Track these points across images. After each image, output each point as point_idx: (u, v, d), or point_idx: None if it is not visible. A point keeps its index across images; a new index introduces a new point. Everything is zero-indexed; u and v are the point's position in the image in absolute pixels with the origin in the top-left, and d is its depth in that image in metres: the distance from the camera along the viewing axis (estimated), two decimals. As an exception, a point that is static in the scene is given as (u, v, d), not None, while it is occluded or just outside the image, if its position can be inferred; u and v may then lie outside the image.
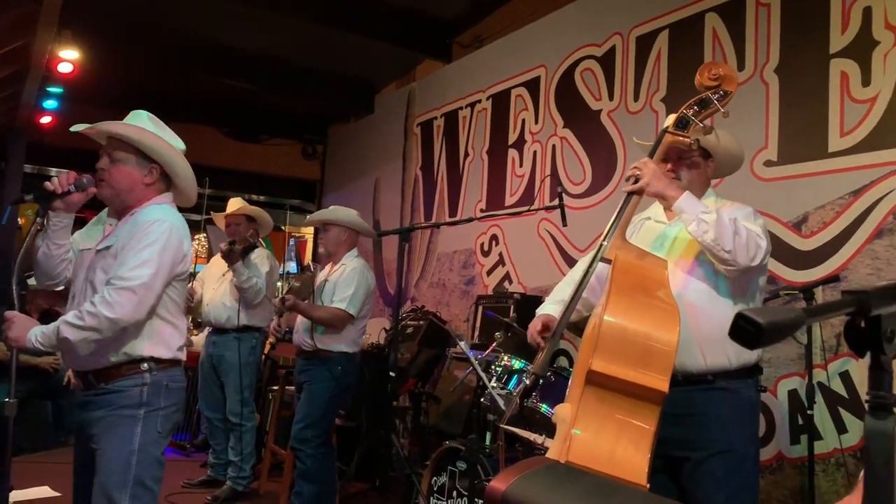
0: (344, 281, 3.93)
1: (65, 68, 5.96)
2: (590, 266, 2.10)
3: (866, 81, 3.20)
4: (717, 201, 2.36)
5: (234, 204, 4.95)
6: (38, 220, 2.35)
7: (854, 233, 3.17)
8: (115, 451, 2.24)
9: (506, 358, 3.33)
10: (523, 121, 5.35)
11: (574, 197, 4.71)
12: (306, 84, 7.36)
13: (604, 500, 1.12)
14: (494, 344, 3.44)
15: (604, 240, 2.08)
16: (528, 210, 3.63)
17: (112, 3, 5.76)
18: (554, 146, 5.02)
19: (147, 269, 2.24)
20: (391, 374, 3.38)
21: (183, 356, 2.45)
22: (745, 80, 3.64)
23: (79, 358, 2.27)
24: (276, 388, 5.24)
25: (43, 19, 5.04)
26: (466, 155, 5.95)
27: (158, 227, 2.30)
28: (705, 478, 2.16)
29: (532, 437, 2.79)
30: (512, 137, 5.44)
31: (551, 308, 2.41)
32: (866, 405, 0.83)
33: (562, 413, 1.86)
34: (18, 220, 7.43)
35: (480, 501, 3.00)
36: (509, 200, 5.36)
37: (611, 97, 4.61)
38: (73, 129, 2.43)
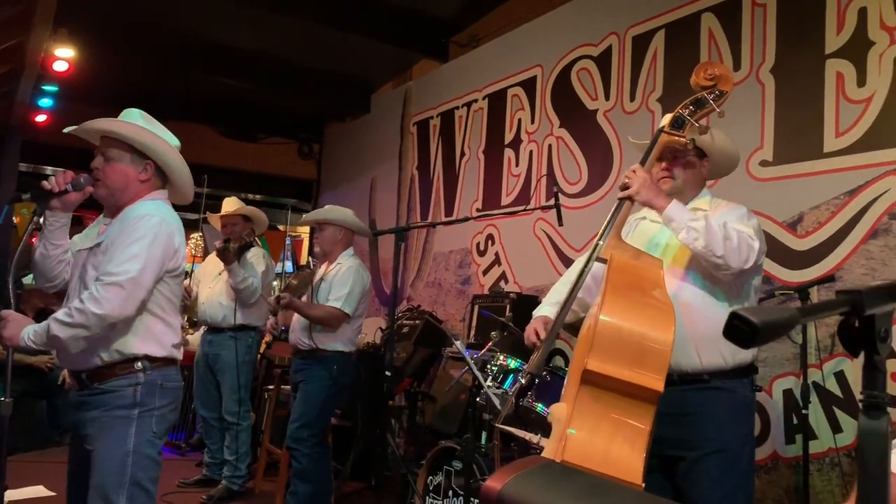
0: (339, 280, 3.93)
1: (60, 66, 5.94)
2: (585, 266, 2.11)
3: (861, 82, 3.20)
4: (713, 201, 2.37)
5: (229, 204, 4.94)
6: (36, 219, 2.34)
7: (849, 233, 3.18)
8: (110, 452, 2.22)
9: (501, 357, 3.33)
10: (519, 120, 5.35)
11: (570, 197, 4.72)
12: (302, 83, 7.35)
13: (599, 500, 1.12)
14: (490, 343, 3.45)
15: (599, 240, 2.08)
16: (525, 210, 3.63)
17: (108, 2, 5.75)
18: (550, 146, 5.02)
19: (135, 263, 2.21)
20: (387, 373, 3.38)
21: (178, 354, 2.42)
22: (741, 80, 3.64)
23: (72, 357, 2.26)
24: (271, 387, 5.23)
25: (38, 17, 5.02)
26: (463, 154, 5.95)
27: (147, 222, 2.28)
28: (700, 477, 2.17)
29: (528, 436, 2.79)
30: (508, 137, 5.44)
31: (548, 310, 2.41)
32: (860, 405, 0.83)
33: (557, 412, 1.86)
34: (14, 219, 7.41)
35: (476, 501, 3.00)
36: (505, 200, 5.36)
37: (607, 97, 4.61)
38: (66, 130, 2.42)
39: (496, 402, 3.10)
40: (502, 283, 5.25)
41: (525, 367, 3.10)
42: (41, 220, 2.34)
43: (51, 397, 5.87)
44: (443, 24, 6.36)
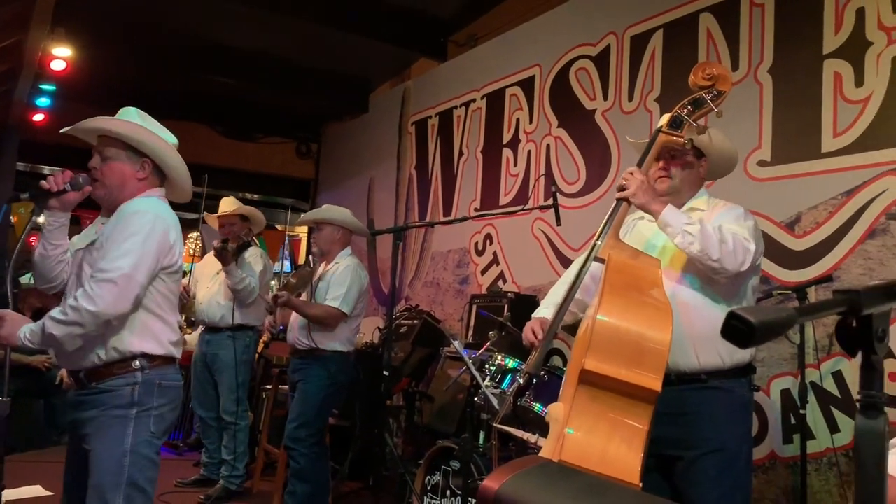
0: (337, 279, 3.93)
1: (58, 66, 5.93)
2: (583, 266, 2.11)
3: (859, 82, 3.20)
4: (710, 201, 2.37)
5: (227, 203, 4.94)
6: (34, 218, 2.34)
7: (847, 233, 3.18)
8: (108, 452, 2.21)
9: (499, 357, 3.33)
10: (518, 120, 5.35)
11: (568, 196, 4.71)
12: (301, 83, 7.34)
13: (596, 499, 1.12)
14: (488, 343, 3.44)
15: (597, 239, 2.08)
16: (523, 209, 3.64)
17: (106, 1, 5.74)
18: (548, 146, 5.02)
19: (128, 259, 2.20)
20: (385, 373, 3.38)
21: (177, 353, 2.40)
22: (739, 80, 3.64)
23: (70, 356, 2.25)
24: (269, 387, 5.23)
25: (36, 17, 5.02)
26: (461, 154, 5.95)
27: (141, 218, 2.27)
28: (698, 477, 2.17)
29: (525, 436, 2.79)
30: (506, 137, 5.44)
31: (546, 312, 2.41)
32: (857, 405, 0.83)
33: (555, 412, 1.86)
34: (11, 218, 7.40)
35: (473, 500, 3.00)
36: (503, 200, 5.36)
37: (605, 97, 4.61)
38: (63, 131, 2.41)
39: (494, 401, 3.10)
40: (500, 283, 5.25)
41: (523, 366, 3.10)
42: (40, 219, 2.34)
43: (48, 397, 5.87)
44: (441, 24, 6.35)
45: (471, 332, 4.87)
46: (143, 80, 7.18)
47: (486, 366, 3.34)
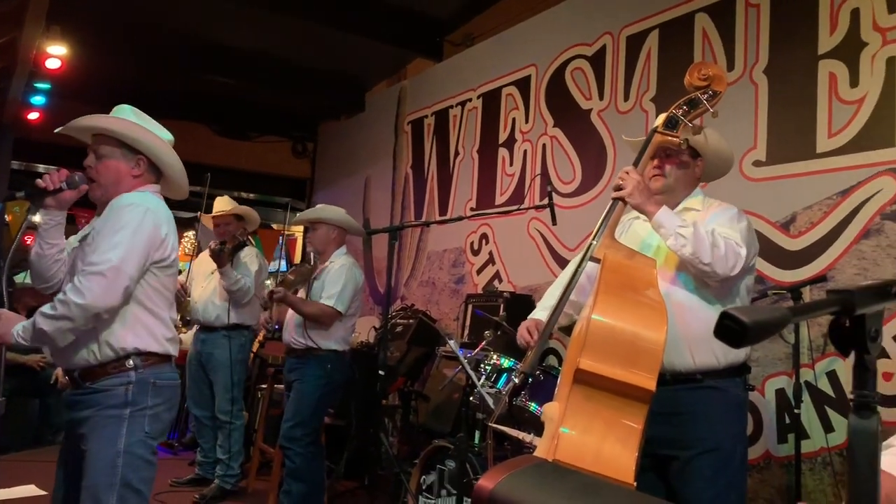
0: (332, 278, 3.93)
1: (53, 64, 5.91)
2: (579, 266, 2.11)
3: (854, 82, 3.21)
4: (705, 201, 2.38)
5: (221, 203, 4.92)
6: (30, 217, 2.33)
7: (841, 233, 3.19)
8: (101, 452, 2.20)
9: (495, 356, 3.33)
10: (514, 120, 5.35)
11: (564, 196, 4.72)
12: (297, 81, 7.33)
13: (591, 499, 1.12)
14: (484, 342, 3.44)
15: (593, 239, 2.08)
16: (518, 209, 3.64)
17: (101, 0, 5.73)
18: (544, 145, 5.02)
19: (117, 251, 2.18)
20: (380, 372, 3.37)
21: (173, 350, 2.38)
22: (735, 80, 3.65)
23: (65, 354, 2.25)
24: (264, 386, 5.22)
25: (31, 14, 5.00)
26: (457, 153, 5.95)
27: (131, 211, 2.25)
28: (693, 476, 2.17)
29: (520, 435, 2.80)
30: (502, 136, 5.44)
31: (542, 314, 2.41)
32: (851, 404, 0.83)
33: (550, 411, 1.86)
34: (6, 217, 7.37)
35: (468, 500, 3.00)
36: (499, 199, 5.36)
37: (601, 96, 4.62)
38: (57, 131, 2.40)
39: (489, 401, 3.10)
40: (496, 283, 5.25)
41: (518, 366, 3.11)
42: (35, 218, 2.33)
43: (43, 396, 5.85)
44: (437, 23, 6.35)
45: (466, 332, 4.87)
46: (139, 79, 7.15)
47: (482, 365, 3.34)
